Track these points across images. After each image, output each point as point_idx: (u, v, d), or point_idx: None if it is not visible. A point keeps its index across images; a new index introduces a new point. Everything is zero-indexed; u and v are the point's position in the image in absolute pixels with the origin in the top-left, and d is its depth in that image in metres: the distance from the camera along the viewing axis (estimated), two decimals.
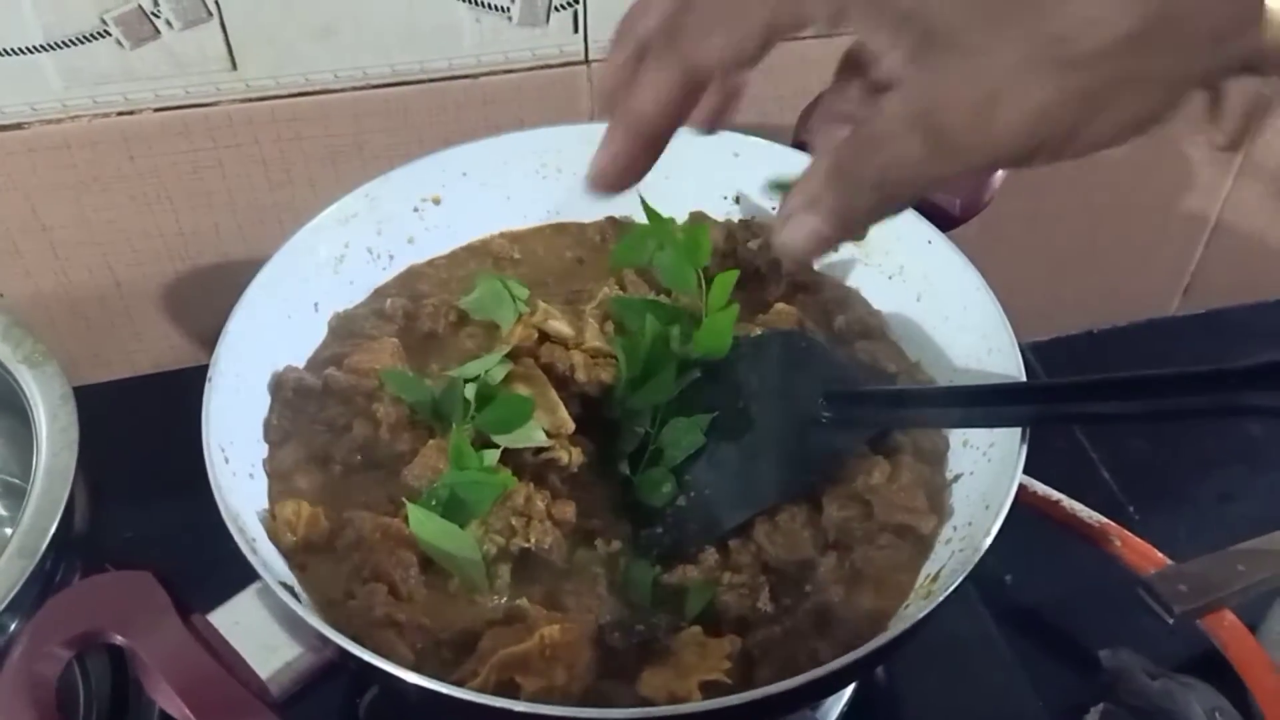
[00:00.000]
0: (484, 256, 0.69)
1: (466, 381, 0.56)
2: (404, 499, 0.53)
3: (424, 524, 0.51)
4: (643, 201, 0.62)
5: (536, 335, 0.60)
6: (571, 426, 0.57)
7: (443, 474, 0.53)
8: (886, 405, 0.58)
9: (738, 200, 0.70)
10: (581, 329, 0.61)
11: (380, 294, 0.67)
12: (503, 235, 0.70)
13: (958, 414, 0.55)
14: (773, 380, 0.58)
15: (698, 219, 0.70)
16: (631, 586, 0.54)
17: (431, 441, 0.56)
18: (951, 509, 0.56)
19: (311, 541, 0.53)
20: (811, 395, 0.56)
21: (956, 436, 0.59)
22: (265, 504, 0.56)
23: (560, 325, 0.60)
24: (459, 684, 0.46)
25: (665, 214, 0.67)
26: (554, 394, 0.57)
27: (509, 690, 0.47)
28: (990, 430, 0.57)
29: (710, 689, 0.48)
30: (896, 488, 0.55)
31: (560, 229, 0.71)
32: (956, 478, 0.57)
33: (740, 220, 0.70)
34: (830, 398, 0.56)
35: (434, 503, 0.52)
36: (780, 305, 0.65)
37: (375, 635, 0.49)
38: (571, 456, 0.56)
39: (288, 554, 0.52)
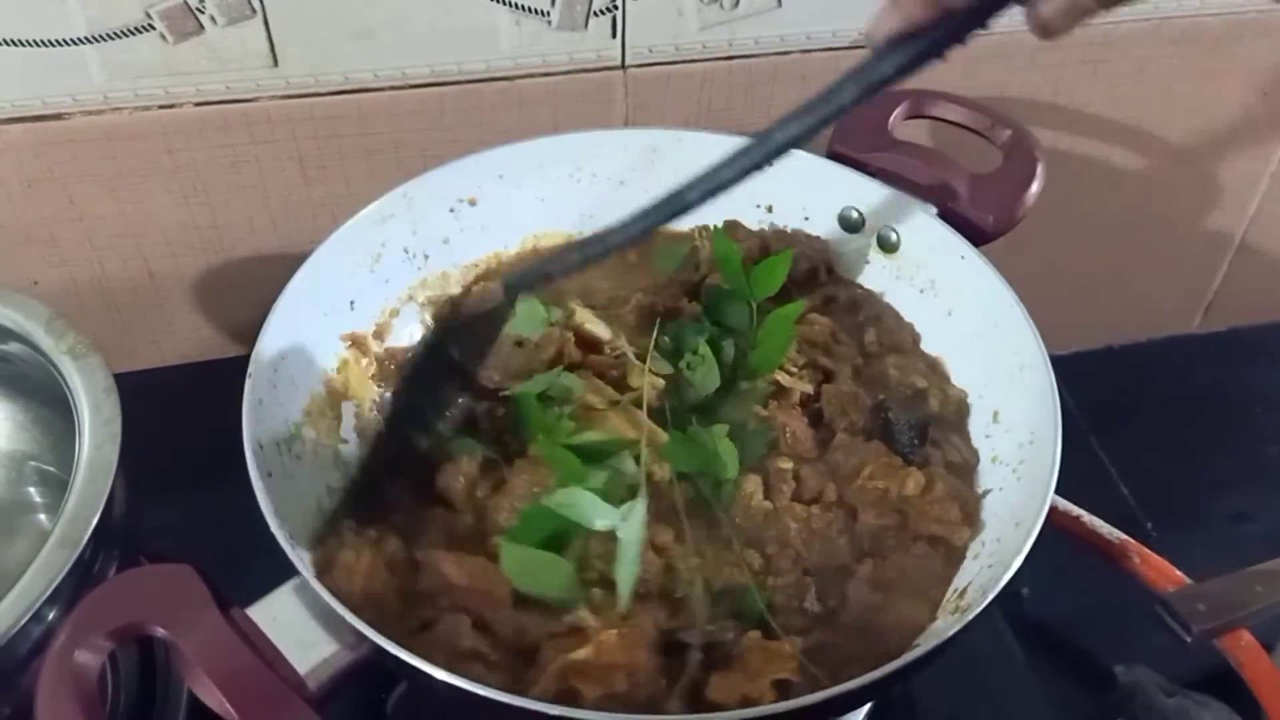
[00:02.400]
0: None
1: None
2: (497, 539, 0.52)
3: (520, 564, 0.51)
4: (715, 231, 0.63)
5: (573, 338, 0.61)
6: (664, 436, 0.57)
7: (536, 496, 0.53)
8: None
9: (770, 209, 0.71)
10: (617, 331, 0.61)
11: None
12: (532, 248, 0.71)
13: None
14: None
15: (732, 228, 0.70)
16: (691, 594, 0.54)
17: (520, 464, 0.56)
18: (983, 523, 0.56)
19: (372, 593, 0.52)
20: None
21: (985, 452, 0.60)
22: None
23: (596, 328, 0.61)
24: (519, 694, 0.46)
25: (700, 221, 0.68)
26: (639, 412, 0.57)
27: (570, 698, 0.48)
28: (1019, 446, 0.57)
29: (781, 688, 0.49)
30: (930, 499, 0.56)
31: None
32: (985, 493, 0.58)
33: (774, 229, 0.70)
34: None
35: (527, 533, 0.51)
36: (814, 315, 0.66)
37: (460, 668, 0.48)
38: (663, 470, 0.56)
39: (350, 605, 0.49)
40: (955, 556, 0.55)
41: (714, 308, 0.65)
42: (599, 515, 0.52)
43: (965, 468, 0.59)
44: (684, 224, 0.70)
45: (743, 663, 0.50)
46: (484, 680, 0.47)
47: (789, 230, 0.70)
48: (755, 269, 0.64)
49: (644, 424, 0.57)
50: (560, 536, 0.52)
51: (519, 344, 0.62)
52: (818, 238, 0.70)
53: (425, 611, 0.52)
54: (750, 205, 0.71)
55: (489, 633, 0.51)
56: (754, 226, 0.71)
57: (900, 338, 0.66)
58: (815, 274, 0.68)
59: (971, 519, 0.56)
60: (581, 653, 0.48)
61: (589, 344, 0.62)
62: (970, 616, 0.48)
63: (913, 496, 0.56)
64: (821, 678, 0.50)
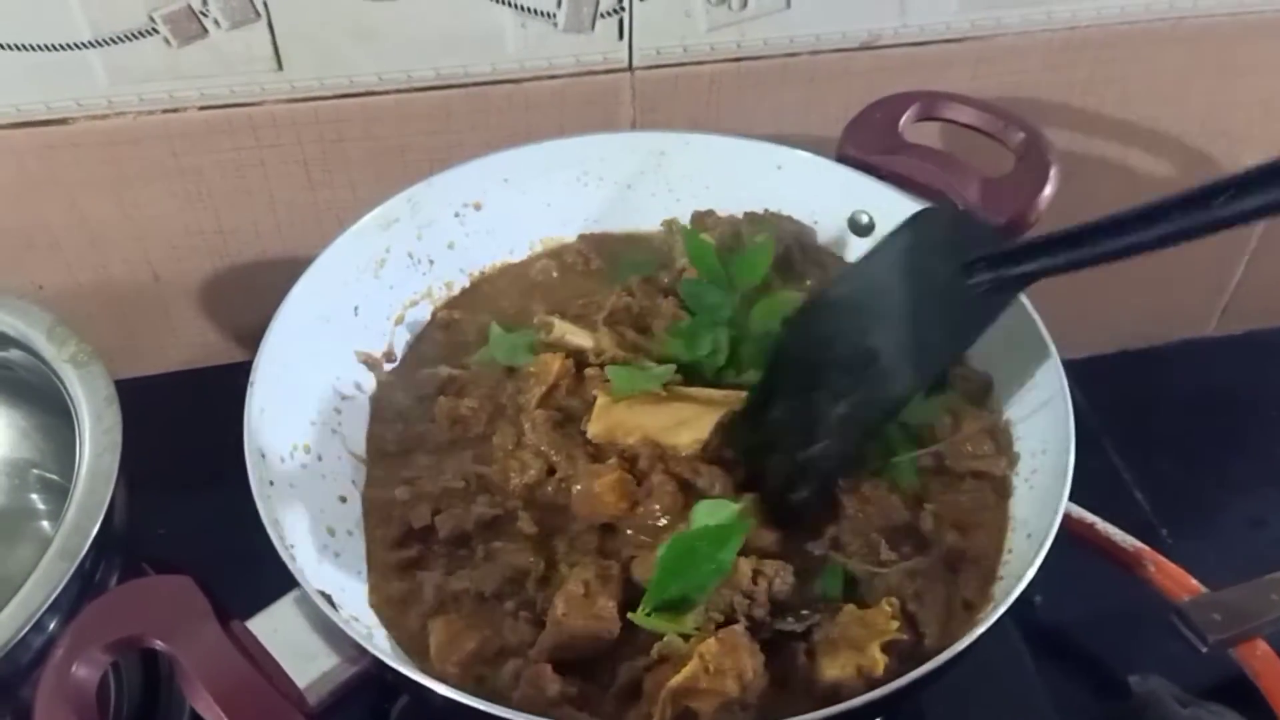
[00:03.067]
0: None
1: None
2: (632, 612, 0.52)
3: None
4: (684, 229, 0.62)
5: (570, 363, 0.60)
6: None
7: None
8: (1038, 254, 0.55)
9: (764, 202, 0.70)
10: (599, 338, 0.61)
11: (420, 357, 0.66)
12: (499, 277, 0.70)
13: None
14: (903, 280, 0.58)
15: (700, 219, 0.70)
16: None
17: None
18: (1017, 455, 0.58)
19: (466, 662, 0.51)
20: (949, 275, 0.55)
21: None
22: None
23: (578, 338, 0.60)
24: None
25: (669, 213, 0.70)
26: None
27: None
28: (1033, 455, 0.57)
29: (890, 649, 0.50)
30: (961, 438, 0.57)
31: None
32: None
33: (746, 214, 0.70)
34: (972, 266, 0.55)
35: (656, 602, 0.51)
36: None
37: (554, 712, 0.48)
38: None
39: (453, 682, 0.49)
40: (1003, 486, 0.57)
41: (695, 300, 0.63)
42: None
43: (983, 392, 0.61)
44: (648, 223, 0.71)
45: (845, 639, 0.50)
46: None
47: (762, 213, 0.70)
48: (736, 260, 0.64)
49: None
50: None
51: (510, 371, 0.62)
52: (789, 218, 0.70)
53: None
54: (759, 207, 0.70)
55: (567, 675, 0.50)
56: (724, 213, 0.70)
57: None
58: (789, 256, 0.67)
59: (1005, 447, 0.58)
60: (689, 669, 0.48)
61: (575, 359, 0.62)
62: (983, 628, 0.48)
63: (944, 438, 0.57)
64: (927, 621, 0.52)
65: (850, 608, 0.52)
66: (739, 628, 0.50)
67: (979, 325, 0.56)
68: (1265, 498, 0.86)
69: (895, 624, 0.51)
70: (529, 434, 0.58)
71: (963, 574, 0.54)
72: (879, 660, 0.49)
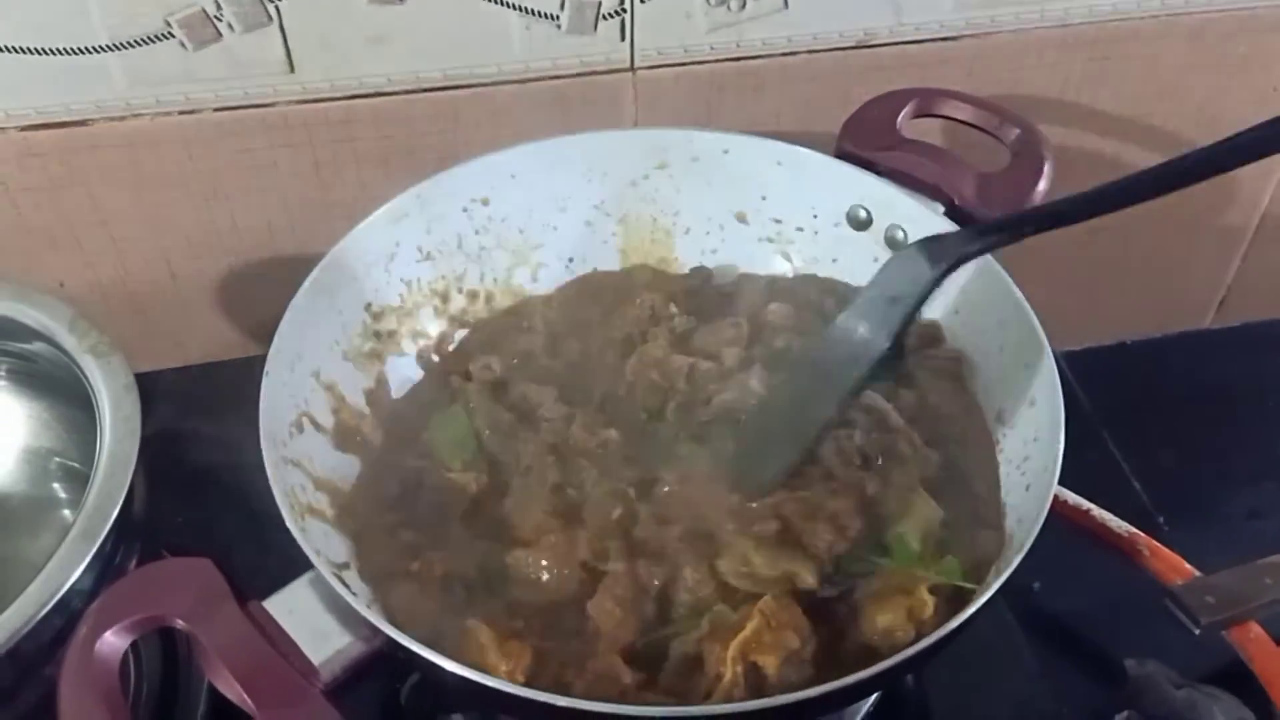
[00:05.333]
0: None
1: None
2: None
3: None
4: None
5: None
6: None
7: None
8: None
9: (764, 198, 0.71)
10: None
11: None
12: None
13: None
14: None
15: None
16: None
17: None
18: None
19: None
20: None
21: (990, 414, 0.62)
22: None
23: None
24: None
25: (707, 217, 0.72)
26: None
27: (756, 678, 0.50)
28: (1024, 443, 0.58)
29: (938, 590, 0.53)
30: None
31: None
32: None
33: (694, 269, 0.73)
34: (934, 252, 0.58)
35: None
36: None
37: (629, 698, 0.50)
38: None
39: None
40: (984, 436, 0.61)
41: None
42: None
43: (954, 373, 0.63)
44: (650, 215, 0.72)
45: (891, 587, 0.53)
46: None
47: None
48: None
49: None
50: None
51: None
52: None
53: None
54: (756, 198, 0.72)
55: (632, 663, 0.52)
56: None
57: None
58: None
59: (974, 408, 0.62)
60: (752, 625, 0.50)
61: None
62: (972, 609, 0.49)
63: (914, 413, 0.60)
64: (960, 565, 0.54)
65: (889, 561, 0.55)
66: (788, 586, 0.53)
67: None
68: (1262, 488, 0.87)
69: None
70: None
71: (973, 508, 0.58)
72: (927, 601, 0.52)
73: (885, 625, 0.52)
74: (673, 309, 0.68)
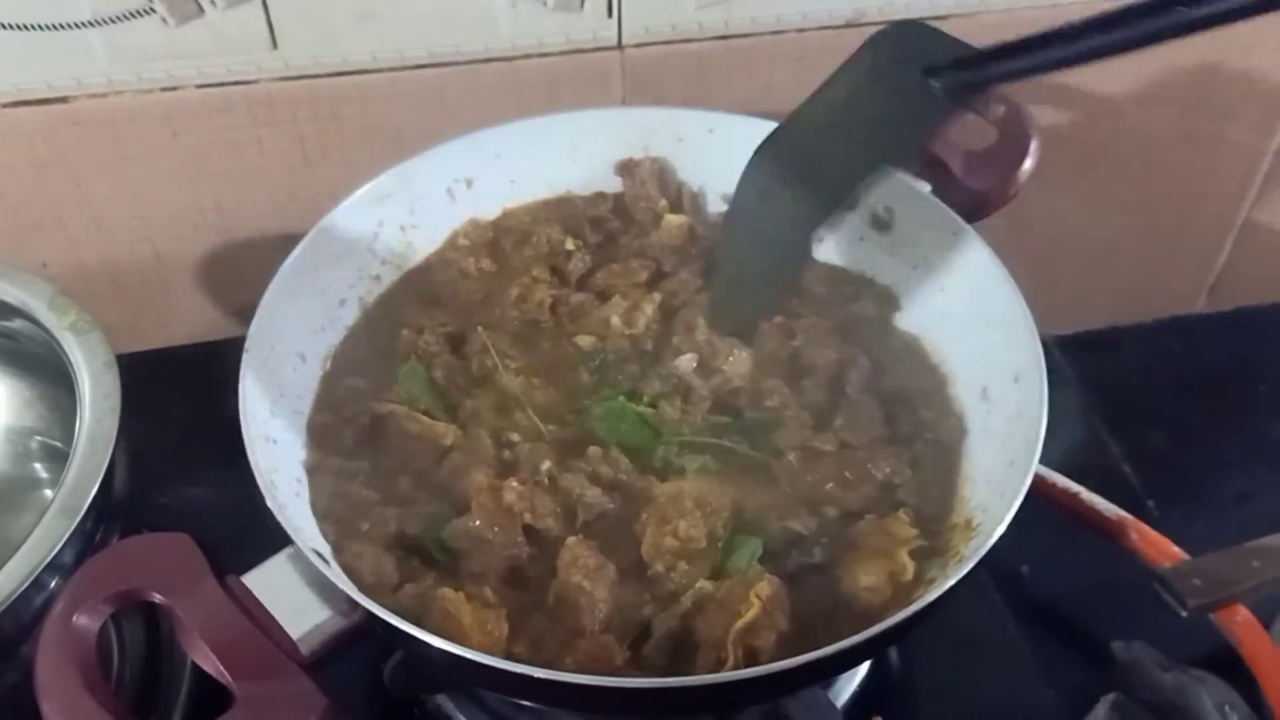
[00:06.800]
0: None
1: None
2: None
3: None
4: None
5: None
6: None
7: None
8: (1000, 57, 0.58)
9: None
10: None
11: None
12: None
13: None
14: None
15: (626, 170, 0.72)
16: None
17: None
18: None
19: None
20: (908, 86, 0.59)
21: (976, 425, 0.61)
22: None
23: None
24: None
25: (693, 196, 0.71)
26: None
27: (751, 658, 0.50)
28: (1007, 420, 0.58)
29: (918, 553, 0.53)
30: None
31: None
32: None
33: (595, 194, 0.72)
34: (934, 72, 0.59)
35: None
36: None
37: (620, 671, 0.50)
38: None
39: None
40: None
41: None
42: None
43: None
44: None
45: (870, 547, 0.54)
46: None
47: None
48: None
49: None
50: None
51: None
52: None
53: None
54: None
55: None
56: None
57: None
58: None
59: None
60: (753, 613, 0.50)
61: None
62: (954, 580, 0.49)
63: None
64: (929, 524, 0.55)
65: (869, 518, 0.55)
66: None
67: (919, 124, 0.60)
68: (1252, 472, 0.87)
69: (914, 531, 0.54)
70: None
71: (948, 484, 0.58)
72: (908, 565, 0.53)
73: (867, 584, 0.53)
74: (570, 245, 0.69)
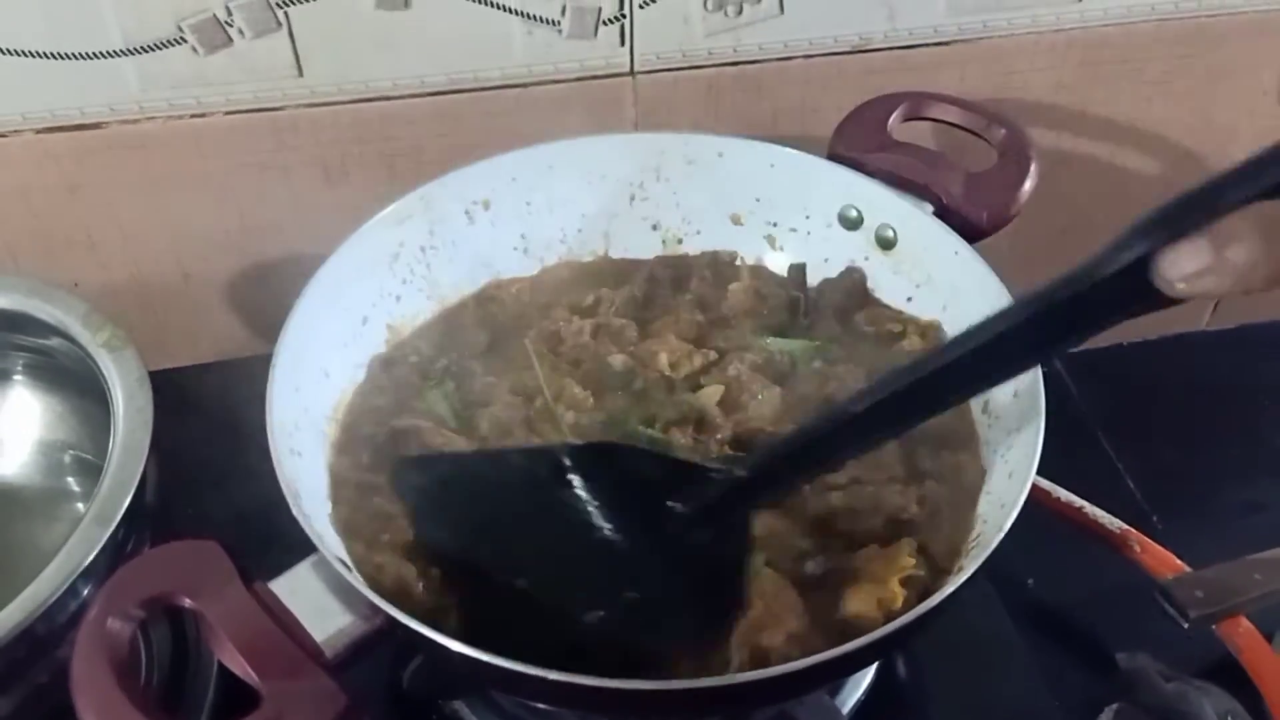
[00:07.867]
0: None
1: None
2: None
3: None
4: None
5: None
6: None
7: None
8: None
9: (758, 199, 0.73)
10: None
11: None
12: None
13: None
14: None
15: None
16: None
17: None
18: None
19: None
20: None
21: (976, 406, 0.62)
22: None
23: None
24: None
25: (698, 219, 0.73)
26: None
27: (761, 659, 0.51)
28: (1008, 434, 0.59)
29: (908, 583, 0.53)
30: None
31: None
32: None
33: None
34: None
35: None
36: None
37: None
38: None
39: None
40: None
41: None
42: None
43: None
44: (649, 218, 0.74)
45: (866, 573, 0.54)
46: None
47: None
48: None
49: None
50: None
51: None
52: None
53: None
54: (750, 199, 0.73)
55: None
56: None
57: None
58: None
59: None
60: (757, 611, 0.52)
61: None
62: (951, 589, 0.50)
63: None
64: (940, 559, 0.56)
65: (874, 547, 0.56)
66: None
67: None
68: (1256, 487, 0.88)
69: (913, 561, 0.54)
70: None
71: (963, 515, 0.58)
72: (898, 594, 0.53)
73: (855, 611, 0.53)
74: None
